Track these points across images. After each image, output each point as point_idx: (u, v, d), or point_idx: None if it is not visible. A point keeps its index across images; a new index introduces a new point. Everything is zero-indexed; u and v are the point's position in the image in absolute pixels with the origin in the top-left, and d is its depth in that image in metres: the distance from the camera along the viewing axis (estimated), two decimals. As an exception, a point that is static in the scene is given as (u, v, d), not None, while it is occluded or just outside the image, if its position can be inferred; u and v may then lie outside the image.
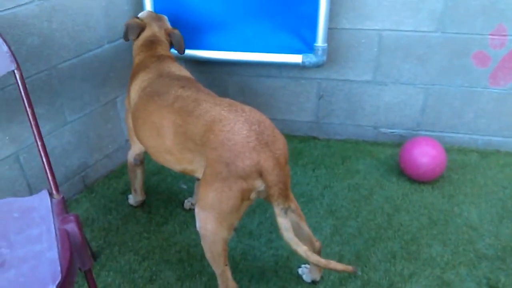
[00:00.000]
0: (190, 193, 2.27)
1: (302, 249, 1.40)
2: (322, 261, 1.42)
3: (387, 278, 1.78)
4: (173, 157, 1.64)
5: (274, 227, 2.04)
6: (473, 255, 1.89)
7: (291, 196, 1.54)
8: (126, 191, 2.29)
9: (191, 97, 1.60)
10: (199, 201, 1.45)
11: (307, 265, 1.78)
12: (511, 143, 2.60)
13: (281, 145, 1.42)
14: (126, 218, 2.14)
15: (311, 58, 2.31)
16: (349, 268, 1.42)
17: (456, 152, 2.58)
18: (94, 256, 1.89)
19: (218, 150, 1.38)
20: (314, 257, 1.42)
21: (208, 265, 1.75)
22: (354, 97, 2.61)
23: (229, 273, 1.55)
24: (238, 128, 1.38)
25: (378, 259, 1.87)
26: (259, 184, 1.38)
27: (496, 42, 2.32)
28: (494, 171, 2.42)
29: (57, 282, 0.99)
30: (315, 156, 2.60)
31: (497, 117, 2.51)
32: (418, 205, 2.17)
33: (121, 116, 2.47)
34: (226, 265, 1.53)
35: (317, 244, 1.66)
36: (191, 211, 2.16)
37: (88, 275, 1.26)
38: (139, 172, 2.08)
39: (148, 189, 2.26)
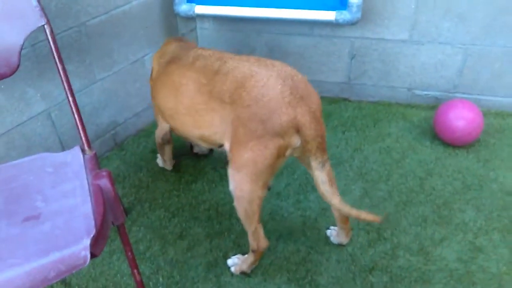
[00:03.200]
0: (219, 154, 2.27)
1: (337, 200, 1.43)
2: (354, 211, 1.44)
3: (417, 242, 1.76)
4: (192, 119, 1.60)
5: (302, 189, 2.03)
6: (507, 221, 1.84)
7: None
8: (156, 150, 2.31)
9: (214, 56, 1.56)
10: (233, 163, 1.43)
11: (335, 227, 1.77)
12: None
13: (315, 98, 1.39)
14: (156, 176, 2.16)
15: (345, 15, 2.21)
16: (377, 218, 1.45)
17: (493, 116, 2.47)
18: (126, 212, 1.93)
19: (252, 108, 1.34)
20: (347, 208, 1.44)
21: (237, 223, 1.77)
22: (388, 57, 2.51)
23: (261, 231, 1.56)
24: (271, 83, 1.34)
25: (409, 223, 1.85)
26: (296, 140, 1.36)
27: (545, -2, 2.16)
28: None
29: (91, 235, 1.00)
30: (345, 118, 2.54)
31: (539, 79, 2.38)
32: (452, 170, 2.11)
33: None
34: (259, 223, 1.53)
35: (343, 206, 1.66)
36: (219, 171, 2.16)
37: (121, 230, 1.28)
38: (167, 148, 2.07)
39: (176, 149, 2.27)
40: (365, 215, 1.45)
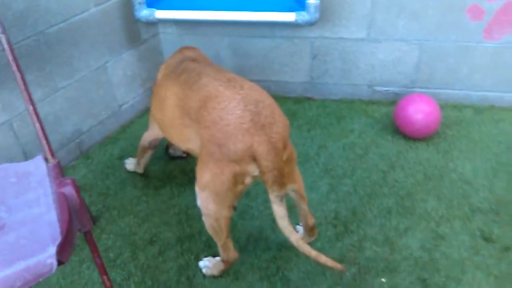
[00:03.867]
0: (190, 157, 2.28)
1: (294, 238, 1.36)
2: (313, 253, 1.36)
3: (383, 233, 1.82)
4: (175, 131, 1.60)
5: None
6: (467, 209, 1.92)
7: (296, 177, 1.52)
8: (123, 157, 2.29)
9: (196, 70, 1.55)
10: (197, 181, 1.43)
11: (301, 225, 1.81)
12: (506, 98, 2.59)
13: (280, 128, 1.32)
14: (123, 182, 2.15)
15: (304, 16, 2.27)
16: (338, 266, 1.36)
17: (450, 109, 2.58)
18: (94, 220, 1.91)
19: (211, 129, 1.31)
20: (305, 248, 1.36)
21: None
22: (348, 56, 2.58)
23: (231, 244, 1.56)
24: (232, 106, 1.30)
25: (374, 215, 1.91)
26: (253, 169, 1.31)
27: (491, -5, 2.28)
28: (489, 126, 2.43)
29: (57, 243, 1.00)
30: (310, 117, 2.59)
31: (492, 72, 2.50)
32: (413, 162, 2.19)
33: (113, 81, 2.44)
34: (228, 237, 1.52)
35: (311, 221, 1.70)
36: (188, 174, 2.17)
37: (88, 236, 1.27)
38: (148, 154, 2.07)
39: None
40: (325, 260, 1.36)
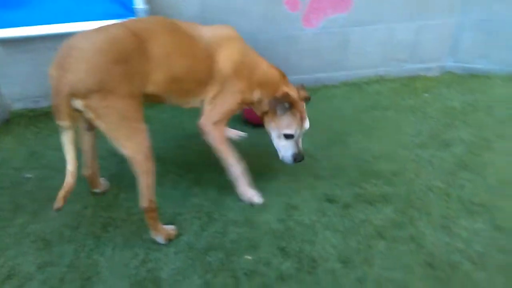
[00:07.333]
0: (36, 181, 2.14)
1: (70, 156, 1.58)
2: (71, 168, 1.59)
3: (243, 215, 1.95)
4: None
5: (135, 196, 2.06)
6: (312, 179, 2.15)
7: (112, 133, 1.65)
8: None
9: None
10: None
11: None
12: (333, 77, 2.94)
13: (70, 76, 1.50)
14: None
15: (136, 22, 2.29)
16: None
17: (289, 93, 2.82)
18: None
19: None
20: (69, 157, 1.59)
21: (69, 247, 1.73)
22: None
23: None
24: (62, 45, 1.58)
25: (232, 200, 2.03)
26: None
27: (302, -14, 2.56)
28: (324, 103, 2.73)
29: None
30: (163, 119, 2.62)
31: (317, 55, 2.81)
32: (262, 144, 2.36)
33: None
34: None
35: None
36: (39, 201, 2.05)
37: None
38: None
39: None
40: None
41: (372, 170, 2.22)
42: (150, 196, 1.72)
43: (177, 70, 1.80)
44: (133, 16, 2.28)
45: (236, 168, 1.99)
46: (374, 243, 1.78)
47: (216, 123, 1.95)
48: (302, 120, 2.00)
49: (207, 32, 1.91)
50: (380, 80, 3.24)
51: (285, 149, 2.02)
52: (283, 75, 2.07)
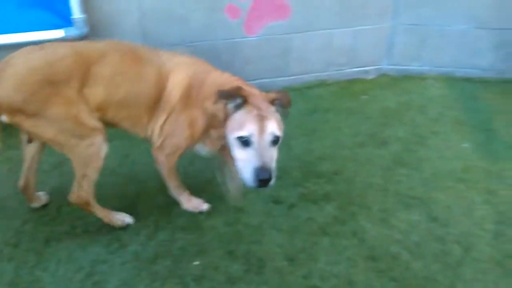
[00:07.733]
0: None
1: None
2: None
3: (191, 220, 1.96)
4: None
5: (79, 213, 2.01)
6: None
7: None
8: None
9: None
10: None
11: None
12: (277, 82, 3.02)
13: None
14: None
15: (73, 31, 2.26)
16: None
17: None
18: None
19: None
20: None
21: (8, 265, 1.66)
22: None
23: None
24: None
25: (179, 206, 2.02)
26: None
27: (241, -6, 2.61)
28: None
29: None
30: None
31: (260, 62, 2.88)
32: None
33: None
34: None
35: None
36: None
37: None
38: None
39: None
40: None
41: (315, 171, 2.30)
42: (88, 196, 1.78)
43: (122, 94, 1.73)
44: (70, 26, 2.24)
45: (178, 191, 2.00)
46: (319, 239, 1.85)
47: (168, 156, 1.87)
48: (261, 119, 1.58)
49: (163, 57, 1.83)
50: (321, 84, 3.36)
51: (243, 164, 1.58)
52: (242, 81, 1.88)
